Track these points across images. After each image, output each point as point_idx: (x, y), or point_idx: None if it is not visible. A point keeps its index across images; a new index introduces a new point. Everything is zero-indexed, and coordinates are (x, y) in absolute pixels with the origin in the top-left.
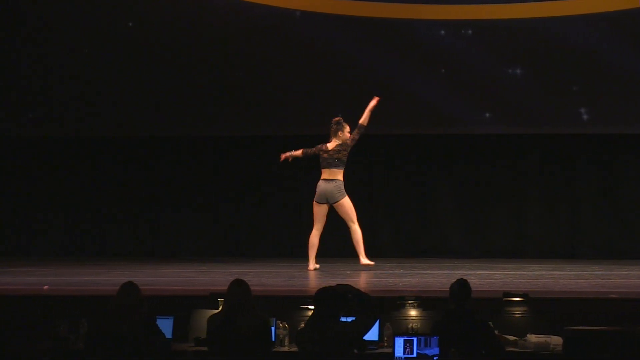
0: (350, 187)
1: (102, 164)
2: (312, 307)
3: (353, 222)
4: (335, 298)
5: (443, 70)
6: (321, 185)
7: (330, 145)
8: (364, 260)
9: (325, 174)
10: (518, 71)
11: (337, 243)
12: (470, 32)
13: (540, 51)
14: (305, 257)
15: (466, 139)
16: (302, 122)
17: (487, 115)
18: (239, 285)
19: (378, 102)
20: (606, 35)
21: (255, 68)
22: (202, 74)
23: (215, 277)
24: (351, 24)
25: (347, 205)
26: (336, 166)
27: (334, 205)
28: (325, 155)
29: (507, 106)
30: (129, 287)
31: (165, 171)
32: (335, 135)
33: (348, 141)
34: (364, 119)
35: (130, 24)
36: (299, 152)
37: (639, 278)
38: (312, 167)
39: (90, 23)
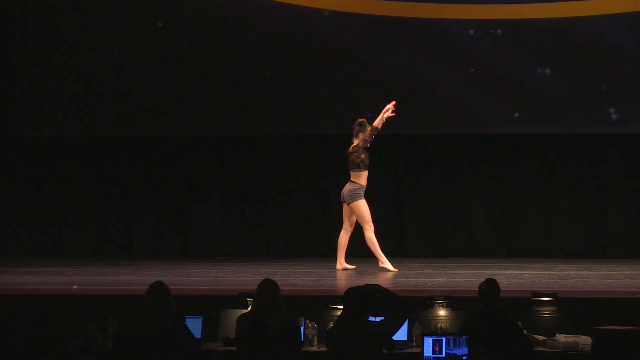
0: (379, 187)
1: (132, 163)
2: (341, 306)
3: (364, 228)
4: (364, 298)
5: (472, 70)
6: (345, 185)
7: (350, 147)
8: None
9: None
10: (547, 71)
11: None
12: (499, 31)
13: (569, 51)
14: (334, 257)
15: (495, 139)
16: (331, 122)
17: (516, 115)
18: (268, 285)
19: (394, 105)
20: (635, 35)
21: (283, 68)
22: (229, 74)
23: (244, 276)
24: (380, 23)
25: (356, 210)
26: (351, 168)
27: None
28: (347, 156)
29: (536, 106)
30: (158, 287)
31: (194, 170)
32: (356, 136)
33: (360, 143)
34: (377, 121)
35: (160, 24)
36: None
37: None
38: (343, 166)
39: (122, 23)
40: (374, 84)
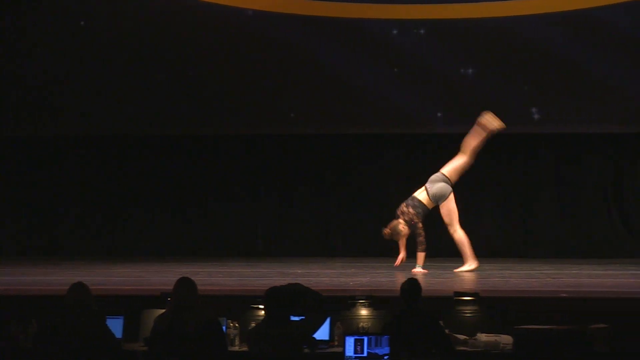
0: (306, 187)
1: (59, 162)
2: (262, 306)
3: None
4: (285, 297)
5: (396, 70)
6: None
7: None
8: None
9: None
10: (470, 71)
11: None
12: (422, 31)
13: (492, 51)
14: (260, 257)
15: (419, 138)
16: (254, 122)
17: (439, 114)
18: (184, 283)
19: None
20: (558, 35)
21: (207, 67)
22: (154, 74)
23: (168, 276)
24: (304, 23)
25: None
26: None
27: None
28: None
29: (459, 105)
30: (79, 287)
31: (121, 170)
32: None
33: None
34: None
35: (82, 23)
36: None
37: (588, 277)
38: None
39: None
40: (299, 83)
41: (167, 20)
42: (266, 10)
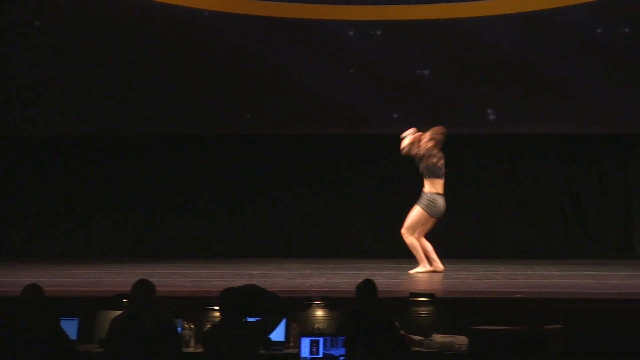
0: (262, 187)
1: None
2: (218, 307)
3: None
4: (240, 298)
5: (352, 71)
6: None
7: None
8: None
9: None
10: (426, 72)
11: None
12: (379, 32)
13: (449, 52)
14: (216, 258)
15: (376, 139)
16: (210, 122)
17: (395, 115)
18: (142, 285)
19: None
20: (514, 36)
21: (165, 67)
22: (111, 74)
23: (123, 278)
24: (260, 24)
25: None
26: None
27: None
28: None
29: (415, 106)
30: (32, 289)
31: (66, 172)
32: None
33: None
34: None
35: (37, 24)
36: None
37: (543, 278)
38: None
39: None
40: (255, 84)
41: (122, 20)
42: (222, 10)
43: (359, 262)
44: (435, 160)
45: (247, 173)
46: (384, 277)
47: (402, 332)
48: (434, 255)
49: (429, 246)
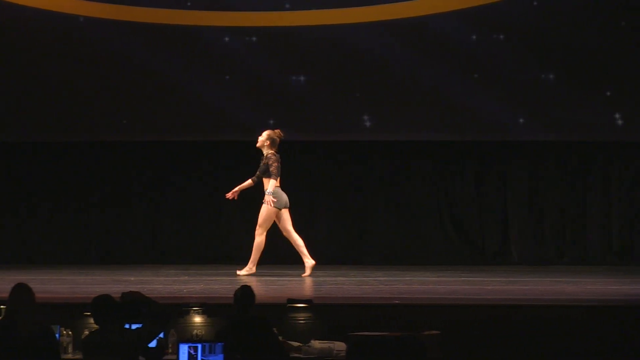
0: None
1: None
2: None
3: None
4: (113, 306)
5: (227, 77)
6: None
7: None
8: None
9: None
10: (302, 78)
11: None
12: (254, 39)
13: (325, 58)
14: (94, 264)
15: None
16: (87, 129)
17: (272, 122)
18: (19, 290)
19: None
20: (389, 43)
21: (42, 74)
22: None
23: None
24: (136, 30)
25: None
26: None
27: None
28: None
29: (291, 113)
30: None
31: None
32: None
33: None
34: None
35: None
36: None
37: (421, 283)
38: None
39: None
40: (131, 90)
41: None
42: (98, 17)
43: (237, 268)
44: (270, 162)
45: (122, 178)
46: (263, 283)
47: (280, 338)
48: (304, 250)
49: (299, 241)
